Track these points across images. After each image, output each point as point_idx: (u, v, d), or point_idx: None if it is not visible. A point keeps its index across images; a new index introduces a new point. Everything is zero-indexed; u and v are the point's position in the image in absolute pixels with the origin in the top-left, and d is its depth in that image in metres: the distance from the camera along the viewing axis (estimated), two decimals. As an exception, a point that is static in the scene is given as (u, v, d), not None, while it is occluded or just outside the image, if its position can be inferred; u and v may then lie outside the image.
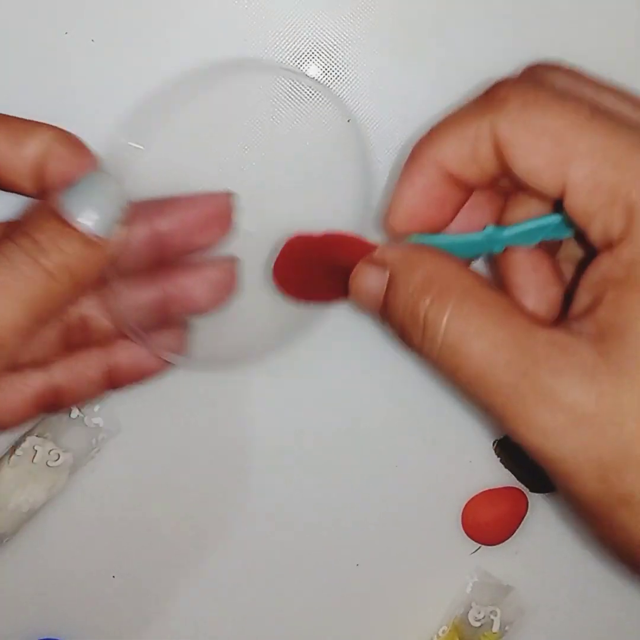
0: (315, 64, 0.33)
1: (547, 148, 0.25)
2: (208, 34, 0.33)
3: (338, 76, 0.33)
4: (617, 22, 0.33)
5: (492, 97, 0.26)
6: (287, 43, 0.33)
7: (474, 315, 0.25)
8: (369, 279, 0.27)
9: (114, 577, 0.35)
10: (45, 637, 0.35)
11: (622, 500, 0.23)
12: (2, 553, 0.34)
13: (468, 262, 0.30)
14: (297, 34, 0.33)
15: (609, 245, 0.24)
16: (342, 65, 0.33)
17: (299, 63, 0.33)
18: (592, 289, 0.25)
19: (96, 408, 0.34)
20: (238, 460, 0.35)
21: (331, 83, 0.33)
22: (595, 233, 0.25)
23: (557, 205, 0.26)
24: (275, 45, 0.33)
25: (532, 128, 0.25)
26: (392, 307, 0.27)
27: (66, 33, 0.32)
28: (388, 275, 0.27)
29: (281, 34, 0.33)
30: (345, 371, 0.35)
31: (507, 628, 0.36)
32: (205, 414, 0.35)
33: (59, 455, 0.33)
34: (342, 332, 0.34)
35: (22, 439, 0.33)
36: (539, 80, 0.27)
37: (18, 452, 0.33)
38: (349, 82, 0.33)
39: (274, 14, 0.33)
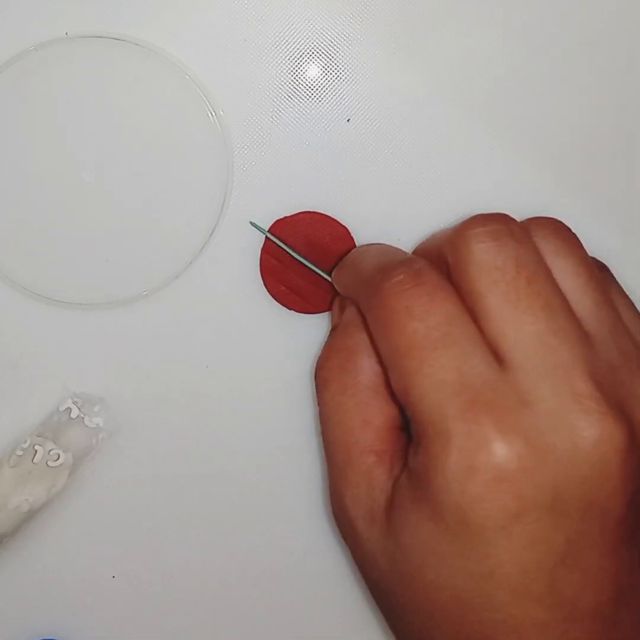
0: (315, 64, 0.33)
1: None
2: (208, 34, 0.33)
3: (338, 76, 0.33)
4: (618, 25, 0.34)
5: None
6: (287, 43, 0.33)
7: None
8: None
9: (114, 577, 0.35)
10: (45, 637, 0.35)
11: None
12: (2, 553, 0.34)
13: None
14: (297, 34, 0.33)
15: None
16: (342, 65, 0.33)
17: (299, 63, 0.33)
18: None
19: (96, 408, 0.34)
20: (238, 459, 0.35)
21: (331, 83, 0.33)
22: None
23: None
24: (275, 45, 0.33)
25: None
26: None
27: None
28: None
29: (281, 34, 0.33)
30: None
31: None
32: (205, 414, 0.35)
33: (59, 455, 0.33)
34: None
35: (22, 439, 0.33)
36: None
37: (18, 452, 0.33)
38: (349, 82, 0.33)
39: (274, 14, 0.33)
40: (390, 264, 0.26)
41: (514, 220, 0.26)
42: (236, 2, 0.33)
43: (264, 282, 0.34)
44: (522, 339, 0.24)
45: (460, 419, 0.23)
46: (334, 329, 0.30)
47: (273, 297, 0.34)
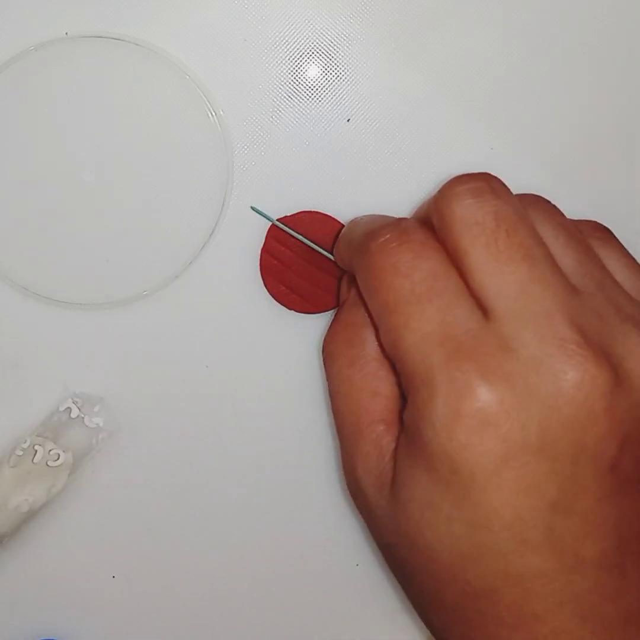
0: (315, 64, 0.33)
1: None
2: (208, 34, 0.33)
3: (338, 76, 0.33)
4: (618, 25, 0.34)
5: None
6: (287, 43, 0.33)
7: None
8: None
9: (114, 577, 0.35)
10: (45, 637, 0.35)
11: None
12: (2, 553, 0.34)
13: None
14: (297, 34, 0.33)
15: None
16: (342, 65, 0.33)
17: (299, 63, 0.33)
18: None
19: (96, 408, 0.34)
20: (238, 459, 0.35)
21: (331, 83, 0.33)
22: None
23: None
24: (275, 45, 0.33)
25: None
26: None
27: None
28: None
29: (281, 34, 0.33)
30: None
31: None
32: (205, 414, 0.35)
33: (59, 455, 0.33)
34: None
35: (22, 439, 0.33)
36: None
37: (18, 452, 0.33)
38: (349, 82, 0.33)
39: (274, 14, 0.33)
40: (378, 226, 0.27)
41: (496, 178, 0.26)
42: (236, 2, 0.33)
43: (264, 282, 0.34)
44: (504, 288, 0.24)
45: (443, 368, 0.24)
46: (340, 305, 0.31)
47: (273, 297, 0.34)
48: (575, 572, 0.24)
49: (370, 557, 0.36)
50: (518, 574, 0.24)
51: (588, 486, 0.24)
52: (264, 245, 0.33)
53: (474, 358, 0.24)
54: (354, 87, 0.33)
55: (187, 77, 0.33)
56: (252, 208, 0.33)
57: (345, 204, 0.34)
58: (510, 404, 0.23)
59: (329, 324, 0.30)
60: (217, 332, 0.34)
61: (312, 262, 0.33)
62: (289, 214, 0.33)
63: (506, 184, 0.26)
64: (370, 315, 0.28)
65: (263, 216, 0.33)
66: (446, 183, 0.26)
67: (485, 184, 0.26)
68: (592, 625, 0.24)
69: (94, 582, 0.35)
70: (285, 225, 0.33)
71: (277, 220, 0.33)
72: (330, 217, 0.33)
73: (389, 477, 0.27)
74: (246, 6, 0.33)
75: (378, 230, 0.26)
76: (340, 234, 0.32)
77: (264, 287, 0.34)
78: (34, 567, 0.35)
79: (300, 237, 0.33)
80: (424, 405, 0.24)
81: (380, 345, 0.28)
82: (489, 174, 0.26)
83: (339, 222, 0.33)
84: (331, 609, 0.36)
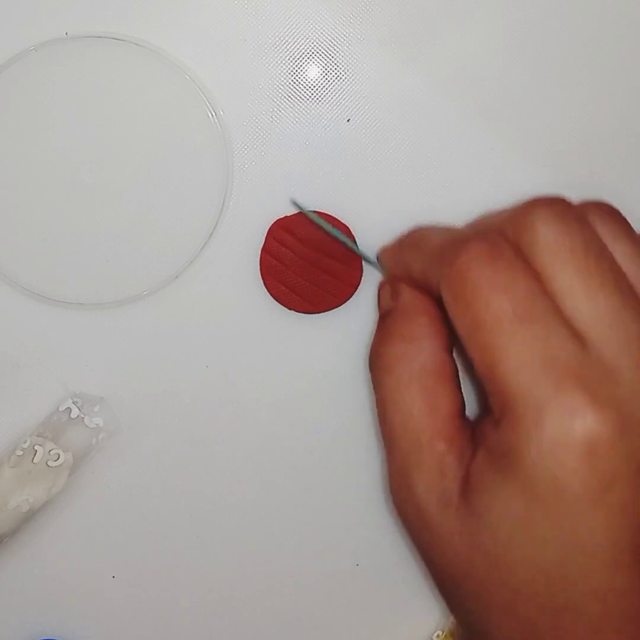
0: (315, 64, 0.33)
1: None
2: (208, 34, 0.33)
3: (338, 76, 0.33)
4: (619, 25, 0.34)
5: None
6: (286, 43, 0.33)
7: None
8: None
9: (114, 577, 0.35)
10: (45, 637, 0.35)
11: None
12: (2, 553, 0.34)
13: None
14: (297, 34, 0.33)
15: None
16: (342, 65, 0.33)
17: (299, 63, 0.33)
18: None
19: (96, 408, 0.34)
20: (239, 460, 0.35)
21: (331, 83, 0.33)
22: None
23: None
24: (275, 45, 0.33)
25: None
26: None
27: None
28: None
29: (281, 34, 0.33)
30: (347, 370, 0.35)
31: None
32: (205, 414, 0.35)
33: (59, 455, 0.33)
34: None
35: (22, 439, 0.33)
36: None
37: (18, 452, 0.33)
38: (349, 82, 0.33)
39: (273, 14, 0.33)
40: (463, 237, 0.26)
41: (572, 203, 0.27)
42: (236, 2, 0.33)
43: (264, 282, 0.34)
44: (598, 314, 0.24)
45: (552, 392, 0.24)
46: (388, 314, 0.30)
47: (273, 297, 0.34)
48: None
49: (370, 557, 0.36)
50: (605, 592, 0.25)
51: None
52: (264, 245, 0.33)
53: (581, 383, 0.24)
54: (354, 87, 0.33)
55: (187, 77, 0.33)
56: (293, 202, 0.33)
57: (346, 204, 0.34)
58: (619, 431, 0.23)
59: (375, 333, 0.30)
60: (217, 332, 0.34)
61: (312, 262, 0.33)
62: (289, 214, 0.33)
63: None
64: (427, 326, 0.28)
65: (299, 208, 0.33)
66: (527, 203, 0.26)
67: (568, 208, 0.26)
68: None
69: (94, 582, 0.35)
70: (281, 237, 0.33)
71: (278, 220, 0.33)
72: (331, 216, 0.33)
73: (456, 496, 0.26)
74: (246, 6, 0.33)
75: (466, 241, 0.25)
76: (399, 240, 0.31)
77: (264, 287, 0.34)
78: (34, 567, 0.35)
79: (333, 231, 0.32)
80: (527, 429, 0.24)
81: (441, 360, 0.28)
82: (567, 199, 0.26)
83: (339, 222, 0.33)
84: (331, 609, 0.36)
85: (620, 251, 0.26)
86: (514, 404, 0.24)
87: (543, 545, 0.25)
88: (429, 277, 0.28)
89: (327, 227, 0.33)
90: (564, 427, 0.23)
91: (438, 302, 0.28)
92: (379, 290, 0.33)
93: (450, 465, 0.27)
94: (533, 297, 0.25)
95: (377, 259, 0.33)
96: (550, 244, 0.25)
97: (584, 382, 0.24)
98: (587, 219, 0.26)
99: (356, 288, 0.34)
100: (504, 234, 0.26)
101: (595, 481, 0.24)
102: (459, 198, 0.34)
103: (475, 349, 0.25)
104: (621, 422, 0.24)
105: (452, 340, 0.29)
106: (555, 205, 0.26)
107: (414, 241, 0.30)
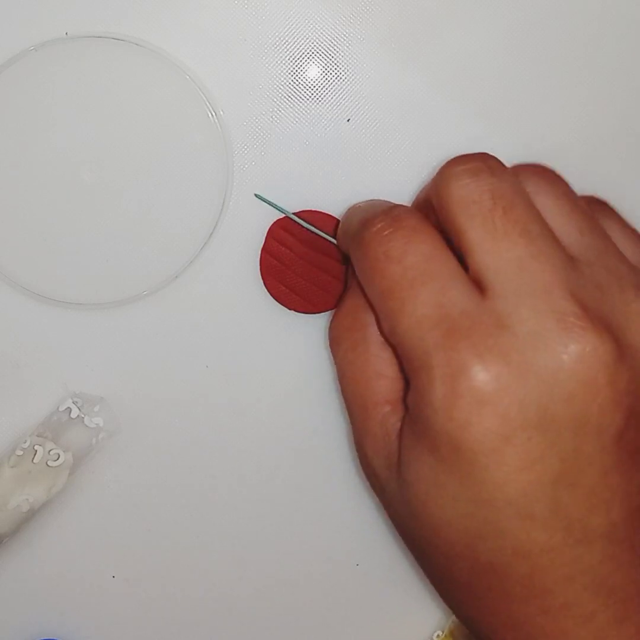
0: (315, 64, 0.33)
1: None
2: (208, 34, 0.33)
3: (338, 76, 0.33)
4: (619, 25, 0.34)
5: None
6: (286, 43, 0.33)
7: None
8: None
9: (114, 577, 0.35)
10: (45, 637, 0.35)
11: None
12: (2, 553, 0.34)
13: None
14: (297, 34, 0.33)
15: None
16: (342, 65, 0.33)
17: (299, 63, 0.33)
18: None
19: (96, 408, 0.34)
20: (238, 460, 0.35)
21: (331, 83, 0.33)
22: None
23: None
24: (275, 45, 0.33)
25: None
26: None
27: None
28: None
29: (281, 34, 0.33)
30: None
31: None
32: (205, 414, 0.35)
33: (59, 455, 0.33)
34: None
35: (22, 439, 0.33)
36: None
37: (18, 452, 0.33)
38: (349, 82, 0.33)
39: (273, 14, 0.33)
40: (371, 215, 0.27)
41: (492, 156, 0.27)
42: (236, 2, 0.33)
43: (264, 282, 0.34)
44: (502, 265, 0.24)
45: (439, 349, 0.24)
46: (345, 291, 0.31)
47: (273, 297, 0.34)
48: (584, 545, 0.24)
49: (370, 557, 0.36)
50: (526, 549, 0.24)
51: (593, 459, 0.24)
52: (264, 245, 0.33)
53: (469, 337, 0.24)
54: (354, 87, 0.33)
55: (187, 77, 0.33)
56: (257, 195, 0.33)
57: (345, 204, 0.33)
58: (507, 381, 0.23)
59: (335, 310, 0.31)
60: (217, 332, 0.34)
61: (312, 262, 0.33)
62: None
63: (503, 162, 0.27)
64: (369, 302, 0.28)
65: (274, 207, 0.33)
66: (444, 164, 0.26)
67: (481, 163, 0.26)
68: (605, 598, 0.24)
69: (94, 582, 0.35)
70: (282, 237, 0.33)
71: (278, 220, 0.33)
72: (331, 216, 0.33)
73: (396, 456, 0.27)
74: (246, 6, 0.33)
75: (371, 219, 0.26)
76: (340, 222, 0.32)
77: (264, 287, 0.34)
78: (34, 567, 0.35)
79: (309, 226, 0.33)
80: (423, 388, 0.24)
81: (381, 330, 0.28)
82: (486, 154, 0.27)
83: (339, 221, 0.33)
84: (331, 609, 0.36)
85: (543, 203, 0.26)
86: (411, 365, 0.25)
87: (455, 502, 0.25)
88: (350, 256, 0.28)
89: (299, 221, 0.33)
90: (450, 382, 0.23)
91: None
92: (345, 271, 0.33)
93: (392, 426, 0.27)
94: (427, 259, 0.25)
95: None
96: (460, 200, 0.25)
97: (472, 334, 0.24)
98: (507, 171, 0.26)
99: (356, 288, 0.34)
100: (429, 200, 0.27)
101: (487, 434, 0.23)
102: (459, 198, 0.34)
103: (381, 319, 0.26)
104: (512, 372, 0.23)
105: None
106: (470, 161, 0.26)
107: (344, 221, 0.31)
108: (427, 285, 0.25)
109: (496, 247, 0.25)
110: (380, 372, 0.28)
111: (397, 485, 0.27)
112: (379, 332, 0.28)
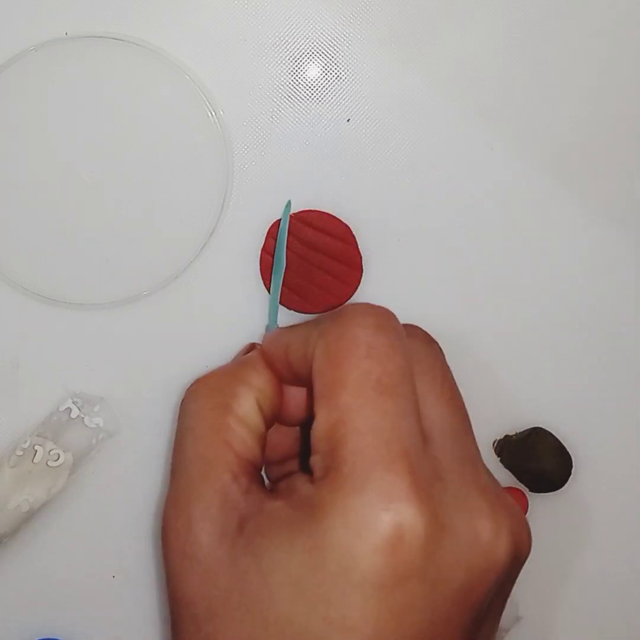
0: (315, 64, 0.33)
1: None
2: (208, 34, 0.33)
3: (338, 76, 0.33)
4: (619, 25, 0.34)
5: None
6: (286, 43, 0.33)
7: None
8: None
9: (114, 577, 0.35)
10: (45, 637, 0.35)
11: None
12: (2, 553, 0.34)
13: None
14: (297, 34, 0.33)
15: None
16: (342, 65, 0.33)
17: (299, 63, 0.33)
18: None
19: (96, 408, 0.34)
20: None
21: (331, 83, 0.33)
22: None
23: None
24: (275, 45, 0.33)
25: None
26: None
27: None
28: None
29: (281, 34, 0.33)
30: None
31: (503, 635, 0.36)
32: (205, 414, 0.35)
33: (59, 455, 0.33)
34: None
35: (22, 439, 0.33)
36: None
37: (18, 452, 0.33)
38: (349, 82, 0.33)
39: (273, 14, 0.33)
40: (358, 305, 0.26)
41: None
42: (236, 2, 0.33)
43: (264, 282, 0.34)
44: (445, 420, 0.26)
45: (385, 469, 0.23)
46: (232, 360, 0.31)
47: None
48: None
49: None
50: None
51: (454, 631, 0.24)
52: (264, 245, 0.33)
53: (414, 473, 0.24)
54: (354, 87, 0.33)
55: (187, 77, 0.33)
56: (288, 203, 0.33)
57: (346, 204, 0.34)
58: (431, 533, 0.23)
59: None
60: (217, 332, 0.34)
61: (312, 262, 0.33)
62: (289, 214, 0.33)
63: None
64: (256, 378, 0.28)
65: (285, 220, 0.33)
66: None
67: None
68: None
69: (94, 582, 0.35)
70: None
71: (278, 220, 0.33)
72: (331, 215, 0.33)
73: (233, 529, 0.26)
74: (246, 6, 0.33)
75: (357, 306, 0.26)
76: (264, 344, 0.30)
77: (264, 287, 0.34)
78: (34, 567, 0.35)
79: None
80: (345, 494, 0.23)
81: (253, 409, 0.28)
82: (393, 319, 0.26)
83: (339, 221, 0.33)
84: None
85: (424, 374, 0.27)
86: (343, 466, 0.24)
87: (308, 611, 0.24)
88: (301, 354, 0.27)
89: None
90: (378, 507, 0.23)
91: (298, 382, 0.28)
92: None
93: (232, 495, 0.26)
94: (402, 374, 0.25)
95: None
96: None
97: (416, 472, 0.24)
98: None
99: (356, 288, 0.34)
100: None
101: (389, 571, 0.23)
102: (458, 198, 0.34)
103: (327, 405, 0.25)
104: (437, 526, 0.23)
105: (276, 412, 0.29)
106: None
107: (275, 339, 0.29)
108: (395, 400, 0.25)
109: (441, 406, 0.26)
110: (230, 443, 0.27)
111: (230, 560, 0.25)
112: (246, 411, 0.28)
